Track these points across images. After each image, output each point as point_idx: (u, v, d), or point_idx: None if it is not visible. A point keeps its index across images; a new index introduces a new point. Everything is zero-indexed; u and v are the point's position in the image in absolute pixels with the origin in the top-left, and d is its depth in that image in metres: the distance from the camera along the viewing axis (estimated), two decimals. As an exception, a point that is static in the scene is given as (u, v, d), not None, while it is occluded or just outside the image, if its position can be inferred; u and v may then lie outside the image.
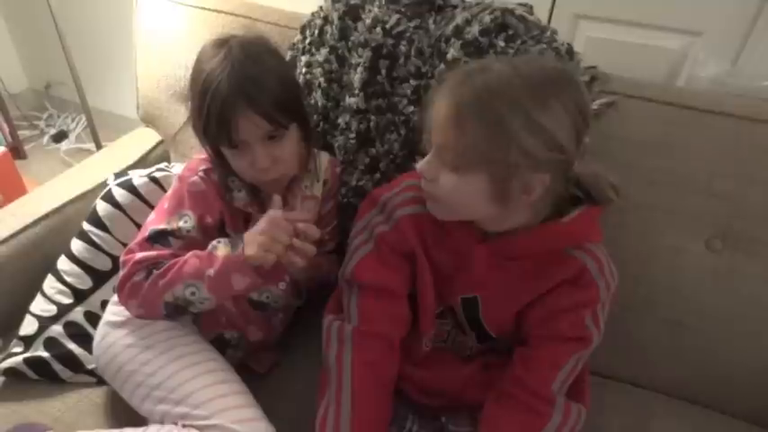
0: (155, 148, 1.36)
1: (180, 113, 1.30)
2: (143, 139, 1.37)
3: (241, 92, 0.80)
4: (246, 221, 0.94)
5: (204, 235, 0.89)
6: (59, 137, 2.55)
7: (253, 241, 0.81)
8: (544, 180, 0.70)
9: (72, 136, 2.56)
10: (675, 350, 1.00)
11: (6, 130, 2.28)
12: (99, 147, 2.17)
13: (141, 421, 0.88)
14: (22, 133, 2.49)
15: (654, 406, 1.01)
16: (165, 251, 0.87)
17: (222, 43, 0.84)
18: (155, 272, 0.84)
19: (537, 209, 0.76)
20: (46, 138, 2.55)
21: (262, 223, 0.83)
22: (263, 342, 1.02)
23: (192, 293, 0.83)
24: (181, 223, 0.88)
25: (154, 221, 0.90)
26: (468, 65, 0.74)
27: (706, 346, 0.98)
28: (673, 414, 1.00)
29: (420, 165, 0.75)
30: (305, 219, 0.85)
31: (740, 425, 0.99)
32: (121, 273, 0.87)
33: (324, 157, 1.02)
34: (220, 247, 0.84)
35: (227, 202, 0.92)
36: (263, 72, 0.83)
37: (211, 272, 0.82)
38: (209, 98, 0.81)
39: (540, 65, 0.74)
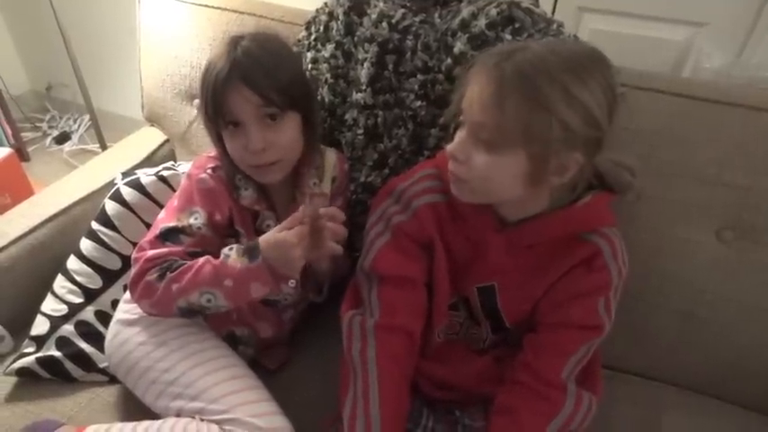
0: (160, 147, 1.36)
1: (185, 112, 1.30)
2: (148, 139, 1.37)
3: (237, 68, 0.81)
4: (254, 219, 0.94)
5: (214, 232, 0.90)
6: (62, 138, 2.56)
7: (286, 261, 0.81)
8: (578, 160, 0.70)
9: (74, 137, 2.57)
10: (687, 341, 1.00)
11: (9, 132, 2.28)
12: (104, 147, 2.18)
13: (152, 419, 0.87)
14: (25, 135, 2.49)
15: (665, 398, 1.01)
16: (177, 248, 0.87)
17: (236, 38, 0.85)
18: (168, 274, 0.84)
19: (556, 195, 0.76)
20: (48, 139, 2.56)
21: (280, 236, 0.81)
22: (274, 339, 1.02)
23: (208, 300, 0.83)
24: (191, 220, 0.88)
25: (164, 219, 0.90)
26: (504, 45, 0.74)
27: (717, 337, 0.98)
28: (684, 405, 1.00)
29: (451, 146, 0.74)
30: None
31: (751, 415, 1.00)
32: (133, 270, 0.87)
33: (332, 154, 1.02)
34: (233, 255, 0.83)
35: (235, 200, 0.92)
36: (265, 55, 0.84)
37: (229, 282, 0.81)
38: (208, 76, 0.83)
39: (572, 45, 0.75)
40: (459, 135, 0.74)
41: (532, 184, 0.72)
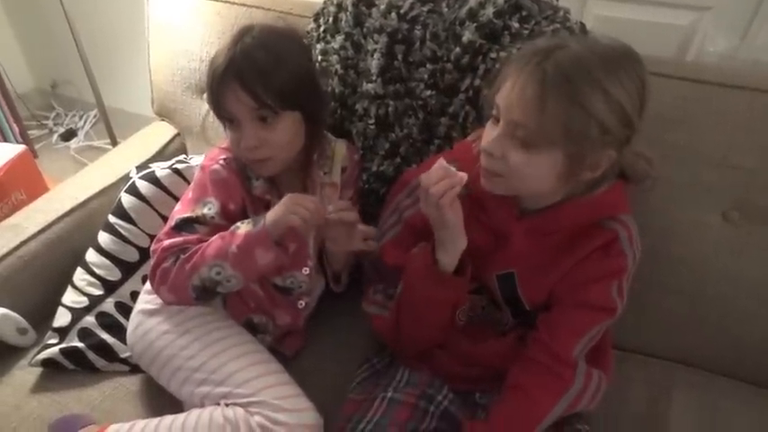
0: (171, 140, 1.38)
1: (196, 106, 1.31)
2: (159, 133, 1.39)
3: (233, 66, 0.83)
4: (267, 208, 0.95)
5: (228, 221, 0.91)
6: (68, 135, 2.57)
7: (274, 210, 0.84)
8: (611, 156, 0.72)
9: (81, 134, 2.58)
10: (696, 320, 1.01)
11: (17, 130, 2.28)
12: (114, 143, 2.19)
13: (175, 406, 0.90)
14: (31, 133, 2.50)
15: (676, 376, 1.03)
16: (192, 237, 0.89)
17: (242, 32, 0.86)
18: (181, 256, 0.87)
19: (577, 185, 0.77)
20: (55, 137, 2.57)
21: (284, 199, 0.85)
22: (291, 326, 1.04)
23: (218, 273, 0.85)
24: (205, 210, 0.90)
25: (179, 211, 0.92)
26: (541, 41, 0.74)
27: (726, 316, 1.00)
28: (695, 384, 1.02)
29: (487, 143, 0.74)
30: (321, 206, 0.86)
31: (761, 392, 1.01)
32: (152, 261, 0.89)
33: (342, 145, 1.03)
34: (242, 227, 0.86)
35: (248, 190, 0.94)
36: (264, 55, 0.84)
37: (234, 248, 0.84)
38: (209, 71, 0.86)
39: (606, 42, 0.74)
40: (492, 130, 0.74)
41: (565, 179, 0.74)
